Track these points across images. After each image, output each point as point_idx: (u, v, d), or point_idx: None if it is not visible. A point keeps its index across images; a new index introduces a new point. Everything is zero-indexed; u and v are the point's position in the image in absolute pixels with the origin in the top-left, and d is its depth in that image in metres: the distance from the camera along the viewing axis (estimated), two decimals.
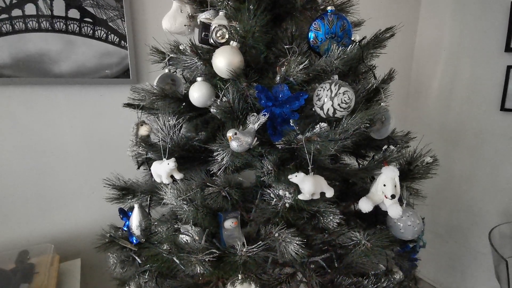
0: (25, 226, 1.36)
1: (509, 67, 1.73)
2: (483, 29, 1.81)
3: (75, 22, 1.31)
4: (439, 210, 2.12)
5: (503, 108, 1.77)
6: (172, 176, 0.86)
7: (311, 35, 0.90)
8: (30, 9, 1.23)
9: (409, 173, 0.90)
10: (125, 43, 1.38)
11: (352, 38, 0.93)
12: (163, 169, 0.83)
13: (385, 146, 0.85)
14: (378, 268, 0.91)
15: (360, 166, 1.05)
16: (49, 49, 1.28)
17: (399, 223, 0.91)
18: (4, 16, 1.19)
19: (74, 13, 1.30)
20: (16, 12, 1.21)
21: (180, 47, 0.87)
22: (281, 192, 0.77)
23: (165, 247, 0.73)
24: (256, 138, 0.73)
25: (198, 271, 0.68)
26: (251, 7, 0.74)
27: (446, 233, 2.10)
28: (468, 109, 1.93)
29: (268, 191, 0.80)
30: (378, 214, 0.99)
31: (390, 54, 2.16)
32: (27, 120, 1.29)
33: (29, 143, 1.31)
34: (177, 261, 0.67)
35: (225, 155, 0.73)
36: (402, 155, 0.85)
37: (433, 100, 2.12)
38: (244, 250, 0.71)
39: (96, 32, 1.34)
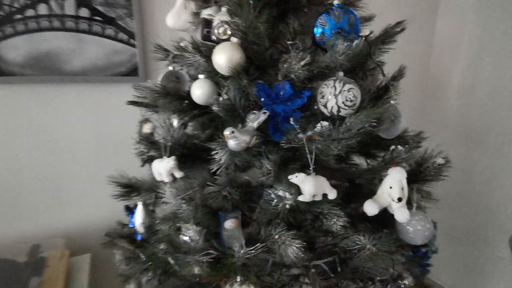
0: (38, 220, 1.40)
1: None
2: (506, 27, 1.70)
3: (85, 20, 1.33)
4: (458, 213, 2.03)
5: None
6: (173, 175, 0.86)
7: (317, 30, 0.87)
8: (42, 8, 1.26)
9: (419, 175, 0.85)
10: (133, 41, 1.39)
11: (361, 34, 0.89)
12: (163, 167, 0.82)
13: (393, 147, 0.81)
14: (387, 273, 0.87)
15: (368, 166, 1.01)
16: (60, 47, 1.30)
17: (408, 227, 0.86)
18: (19, 16, 1.22)
19: (84, 12, 1.32)
20: (30, 12, 1.24)
21: (182, 44, 0.86)
22: (281, 193, 0.74)
23: (162, 247, 0.73)
24: (255, 137, 0.70)
25: (195, 272, 0.67)
26: (251, 1, 0.71)
27: (465, 237, 2.00)
28: (489, 109, 1.83)
29: (269, 191, 0.78)
30: (387, 217, 0.95)
31: (407, 50, 2.08)
32: (40, 117, 1.33)
33: (42, 140, 1.35)
34: (172, 261, 0.66)
35: (223, 154, 0.71)
36: (411, 155, 0.81)
37: (452, 99, 2.02)
38: (243, 252, 0.70)
39: (105, 31, 1.36)
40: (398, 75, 0.90)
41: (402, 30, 0.86)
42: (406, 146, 0.81)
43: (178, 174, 0.83)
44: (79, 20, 1.31)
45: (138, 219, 0.98)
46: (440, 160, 0.82)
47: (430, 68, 2.14)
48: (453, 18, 1.99)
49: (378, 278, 0.83)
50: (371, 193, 0.96)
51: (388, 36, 0.85)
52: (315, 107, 0.77)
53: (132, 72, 1.42)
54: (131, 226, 1.11)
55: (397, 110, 0.89)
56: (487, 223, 1.88)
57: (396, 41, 0.87)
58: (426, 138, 0.98)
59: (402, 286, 1.03)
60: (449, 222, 2.07)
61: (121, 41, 1.38)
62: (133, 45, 1.40)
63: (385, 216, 0.90)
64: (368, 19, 1.04)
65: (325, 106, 0.78)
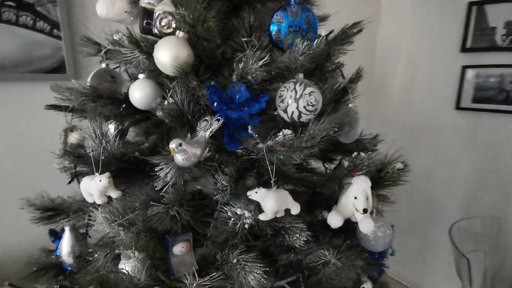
0: None
1: (464, 67, 1.76)
2: (441, 30, 1.83)
3: None
4: (401, 205, 2.15)
5: (458, 107, 1.81)
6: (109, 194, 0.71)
7: (273, 28, 0.79)
8: None
9: (380, 180, 0.83)
10: (58, 32, 1.18)
11: (321, 33, 0.84)
12: (94, 187, 0.67)
13: (355, 153, 0.78)
14: (347, 284, 0.83)
15: (328, 172, 0.97)
16: None
17: (369, 235, 0.84)
18: None
19: None
20: None
21: (115, 37, 0.71)
22: (239, 211, 0.65)
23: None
24: (207, 149, 0.60)
25: None
26: None
27: (407, 228, 2.13)
28: (426, 108, 1.96)
29: (225, 208, 0.68)
30: (346, 223, 0.92)
31: (352, 52, 2.14)
32: None
33: None
34: None
35: (170, 170, 0.59)
36: (373, 162, 0.78)
37: (394, 99, 2.14)
38: (196, 284, 0.59)
39: (20, 18, 1.12)
40: (356, 77, 0.87)
41: (360, 31, 0.82)
42: (368, 152, 0.77)
43: (115, 194, 0.68)
44: None
45: (65, 247, 0.81)
46: (399, 165, 0.81)
47: (375, 70, 2.24)
48: (393, 26, 2.10)
49: None
50: (330, 199, 0.92)
51: (346, 36, 0.81)
52: (275, 112, 0.69)
53: (57, 68, 1.20)
54: (57, 254, 0.93)
55: (356, 113, 0.86)
56: (427, 215, 2.02)
57: (353, 42, 0.84)
58: (381, 141, 0.97)
59: None
60: (393, 214, 2.19)
61: (41, 31, 1.16)
62: (58, 37, 1.18)
63: (344, 222, 0.87)
64: (323, 18, 1.00)
65: (284, 111, 0.70)
